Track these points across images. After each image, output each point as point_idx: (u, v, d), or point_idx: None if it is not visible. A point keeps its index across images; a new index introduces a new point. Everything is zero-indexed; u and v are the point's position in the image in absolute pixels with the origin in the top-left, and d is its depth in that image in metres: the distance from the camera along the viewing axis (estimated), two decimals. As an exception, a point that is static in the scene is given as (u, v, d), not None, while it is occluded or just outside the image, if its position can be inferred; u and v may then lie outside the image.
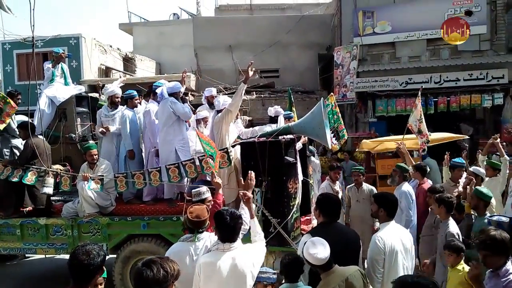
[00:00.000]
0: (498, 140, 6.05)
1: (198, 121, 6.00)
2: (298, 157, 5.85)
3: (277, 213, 4.64)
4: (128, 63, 17.21)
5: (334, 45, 14.40)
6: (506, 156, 5.70)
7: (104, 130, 5.94)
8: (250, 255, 2.99)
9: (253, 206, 3.66)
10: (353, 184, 6.26)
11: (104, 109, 6.16)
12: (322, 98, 5.51)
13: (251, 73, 5.25)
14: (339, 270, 2.90)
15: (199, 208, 3.29)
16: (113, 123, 6.08)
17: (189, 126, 6.25)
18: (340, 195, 6.20)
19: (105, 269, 2.38)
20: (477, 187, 4.68)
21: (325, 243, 2.86)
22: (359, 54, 12.29)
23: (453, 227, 4.11)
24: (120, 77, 7.95)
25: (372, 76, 11.96)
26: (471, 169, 5.67)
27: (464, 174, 5.70)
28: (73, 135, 6.60)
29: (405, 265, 3.34)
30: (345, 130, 7.40)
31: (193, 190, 3.99)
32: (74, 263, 2.27)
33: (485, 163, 5.90)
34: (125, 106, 6.01)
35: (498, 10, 11.61)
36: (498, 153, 6.15)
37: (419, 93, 7.44)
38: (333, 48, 14.16)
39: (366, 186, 6.14)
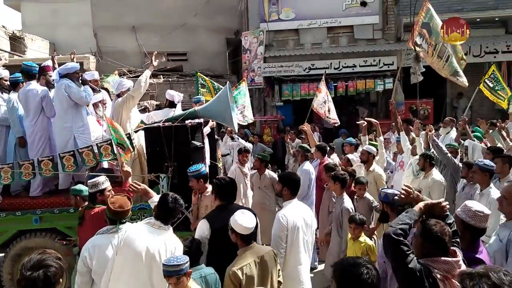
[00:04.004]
0: (375, 120, 6.81)
1: (95, 105, 5.58)
2: (206, 141, 5.81)
3: (184, 198, 4.56)
4: (16, 42, 15.38)
5: (242, 30, 14.48)
6: (381, 137, 6.40)
7: None
8: (167, 238, 3.01)
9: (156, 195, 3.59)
10: (256, 171, 6.01)
11: None
12: (228, 82, 5.51)
13: (155, 63, 5.16)
14: (257, 248, 3.05)
15: (121, 198, 3.21)
16: None
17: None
18: (248, 177, 6.30)
19: None
20: None
21: (252, 214, 3.05)
22: (265, 39, 12.53)
23: (348, 202, 4.44)
24: (1, 59, 6.93)
25: (278, 62, 12.32)
26: (364, 148, 6.16)
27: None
28: None
29: (305, 239, 3.53)
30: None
31: (89, 181, 3.73)
32: None
33: (367, 143, 6.46)
34: (12, 90, 5.34)
35: (388, 2, 12.67)
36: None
37: (323, 78, 7.91)
38: (240, 33, 14.22)
39: (268, 173, 5.90)
